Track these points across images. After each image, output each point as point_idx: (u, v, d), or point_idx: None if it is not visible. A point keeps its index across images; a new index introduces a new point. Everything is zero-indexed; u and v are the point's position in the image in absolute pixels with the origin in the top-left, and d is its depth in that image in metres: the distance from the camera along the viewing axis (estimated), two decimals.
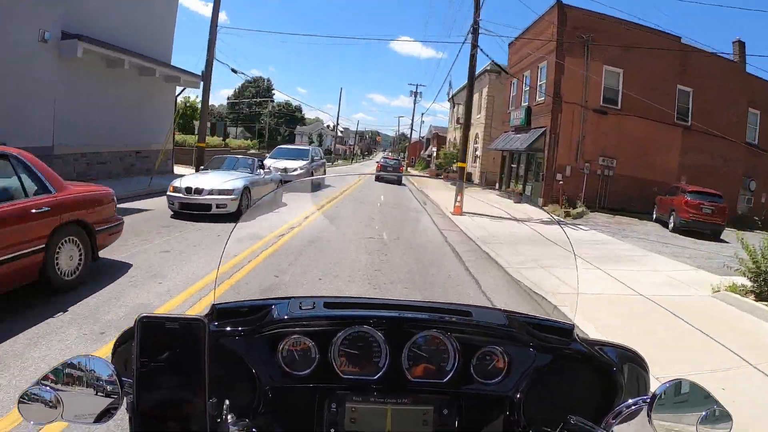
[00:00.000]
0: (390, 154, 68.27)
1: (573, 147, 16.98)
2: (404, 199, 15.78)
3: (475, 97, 31.10)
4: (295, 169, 15.44)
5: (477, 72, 30.92)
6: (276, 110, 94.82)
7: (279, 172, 14.88)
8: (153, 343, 0.74)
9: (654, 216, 16.40)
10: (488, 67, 27.77)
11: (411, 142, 55.83)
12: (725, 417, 0.82)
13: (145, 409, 0.74)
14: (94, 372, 0.77)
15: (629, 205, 17.55)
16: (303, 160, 16.27)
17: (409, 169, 50.74)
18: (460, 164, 15.07)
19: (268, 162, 15.90)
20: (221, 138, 24.68)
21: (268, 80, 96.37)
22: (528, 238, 10.03)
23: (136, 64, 14.32)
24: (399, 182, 18.51)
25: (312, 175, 15.68)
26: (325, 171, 18.20)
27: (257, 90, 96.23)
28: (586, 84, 17.02)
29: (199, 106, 25.05)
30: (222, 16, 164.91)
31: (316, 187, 15.72)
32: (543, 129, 17.38)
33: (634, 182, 17.68)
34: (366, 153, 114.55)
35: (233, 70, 16.79)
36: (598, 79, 17.13)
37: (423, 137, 64.16)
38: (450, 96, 34.27)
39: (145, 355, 0.74)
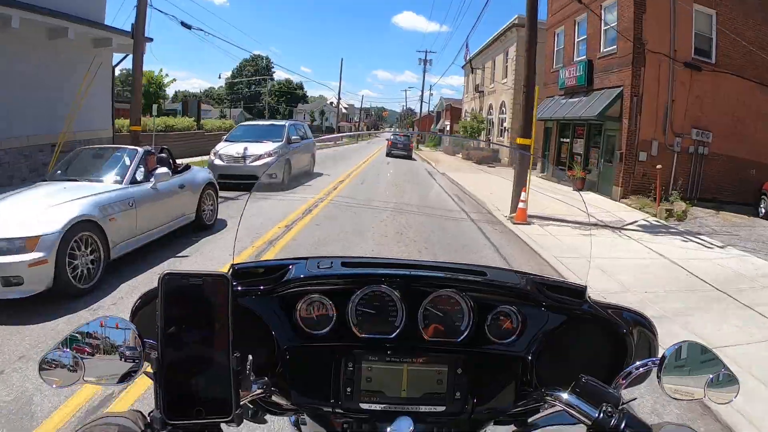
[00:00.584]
0: (400, 130, 65.96)
1: (659, 115, 12.09)
2: (428, 190, 11.08)
3: (499, 58, 25.91)
4: (260, 156, 10.44)
5: (501, 28, 25.64)
6: (276, 89, 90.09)
7: (233, 162, 10.34)
8: (177, 300, 0.73)
9: (762, 210, 11.82)
10: (516, 21, 22.59)
11: (421, 115, 50.18)
12: (732, 380, 0.82)
13: (171, 365, 0.72)
14: (115, 333, 0.74)
15: (720, 194, 12.86)
16: (274, 140, 11.28)
17: (420, 146, 45.68)
18: (520, 140, 9.60)
19: (219, 146, 11.27)
20: (193, 119, 19.98)
21: (267, 58, 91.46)
22: (677, 280, 5.44)
23: (36, 22, 9.69)
24: (409, 157, 19.89)
25: (289, 162, 11.00)
26: (314, 155, 13.67)
27: (256, 69, 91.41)
28: (673, 25, 12.01)
29: (167, 80, 20.36)
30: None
31: (300, 179, 11.18)
32: (617, 89, 12.44)
33: (730, 163, 12.89)
34: (373, 130, 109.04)
35: (184, 24, 12.08)
36: (686, 14, 12.11)
37: (433, 111, 58.76)
38: (467, 60, 28.95)
39: (169, 312, 0.72)
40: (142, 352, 0.73)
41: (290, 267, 1.09)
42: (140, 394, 2.82)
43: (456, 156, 30.09)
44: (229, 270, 1.04)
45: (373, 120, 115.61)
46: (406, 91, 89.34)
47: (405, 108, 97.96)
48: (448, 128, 41.83)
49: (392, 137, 31.04)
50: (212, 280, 0.73)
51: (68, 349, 0.70)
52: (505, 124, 23.25)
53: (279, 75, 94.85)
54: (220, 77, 62.94)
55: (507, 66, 23.91)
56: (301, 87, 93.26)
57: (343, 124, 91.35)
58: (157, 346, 0.71)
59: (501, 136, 24.79)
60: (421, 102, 46.31)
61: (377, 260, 1.26)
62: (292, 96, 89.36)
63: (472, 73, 28.91)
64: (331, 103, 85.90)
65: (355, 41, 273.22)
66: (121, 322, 0.74)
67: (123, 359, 0.73)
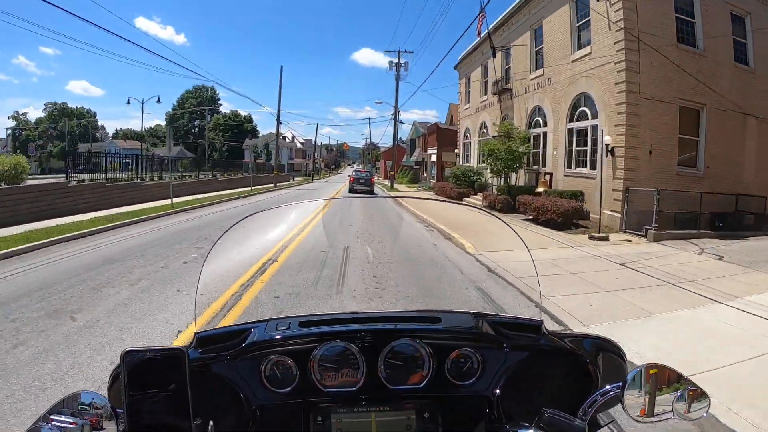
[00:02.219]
0: (362, 166, 57.52)
1: None
2: None
3: (558, 15, 13.34)
4: None
5: None
6: (221, 122, 76.48)
7: None
8: (138, 374, 0.76)
9: None
10: None
11: (395, 139, 37.05)
12: (701, 395, 0.78)
13: None
14: (92, 405, 0.77)
15: None
16: None
17: (395, 186, 32.39)
18: None
19: None
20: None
21: (212, 89, 78.23)
22: None
23: None
24: (371, 192, 22.88)
25: None
26: None
27: (199, 101, 77.73)
28: None
29: None
30: (180, 38, 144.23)
31: None
32: None
33: None
34: (333, 167, 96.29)
35: None
36: None
37: (405, 141, 46.33)
38: (484, 35, 16.26)
39: (132, 385, 0.75)
40: (116, 422, 0.77)
41: (251, 330, 1.10)
42: None
43: (466, 202, 16.96)
44: (192, 339, 1.07)
45: (334, 155, 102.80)
46: (369, 119, 76.66)
47: (368, 141, 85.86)
48: (433, 159, 28.98)
49: (354, 173, 27.50)
50: (169, 354, 0.76)
51: (48, 424, 0.72)
52: (605, 140, 10.30)
53: (231, 108, 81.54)
54: (128, 103, 48.61)
55: (589, 22, 11.23)
56: (250, 120, 79.74)
57: (299, 161, 77.91)
58: (124, 417, 0.74)
59: (584, 166, 11.77)
60: (395, 122, 33.30)
61: (334, 317, 1.24)
62: (239, 130, 75.65)
63: (493, 57, 16.26)
64: (285, 137, 72.65)
65: (315, 79, 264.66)
66: (96, 396, 0.78)
67: (100, 428, 0.75)
